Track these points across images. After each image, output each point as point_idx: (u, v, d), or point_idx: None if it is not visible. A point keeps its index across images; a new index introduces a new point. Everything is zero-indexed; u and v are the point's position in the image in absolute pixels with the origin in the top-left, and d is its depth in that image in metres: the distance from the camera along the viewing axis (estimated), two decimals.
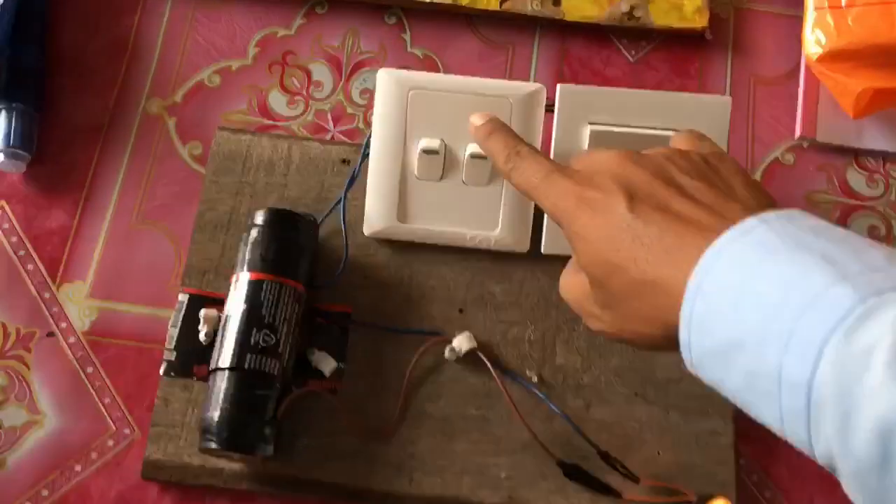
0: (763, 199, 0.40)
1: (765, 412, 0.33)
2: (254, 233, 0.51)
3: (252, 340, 0.49)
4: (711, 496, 0.49)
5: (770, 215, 0.35)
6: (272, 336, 0.49)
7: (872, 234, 0.60)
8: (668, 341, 0.37)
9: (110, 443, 0.53)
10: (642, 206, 0.38)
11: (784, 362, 0.31)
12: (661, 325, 0.37)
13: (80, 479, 0.52)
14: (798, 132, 0.62)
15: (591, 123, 0.53)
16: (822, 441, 0.30)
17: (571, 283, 0.44)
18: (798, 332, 0.30)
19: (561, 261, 0.55)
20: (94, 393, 0.53)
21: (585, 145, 0.53)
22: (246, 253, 0.51)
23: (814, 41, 0.60)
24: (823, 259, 0.32)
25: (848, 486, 0.31)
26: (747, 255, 0.34)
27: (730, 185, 0.40)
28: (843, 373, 0.29)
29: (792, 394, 0.31)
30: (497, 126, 0.47)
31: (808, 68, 0.63)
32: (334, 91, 0.62)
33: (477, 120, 0.48)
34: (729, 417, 0.53)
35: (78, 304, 0.55)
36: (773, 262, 0.33)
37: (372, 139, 0.55)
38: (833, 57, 0.59)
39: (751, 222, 0.35)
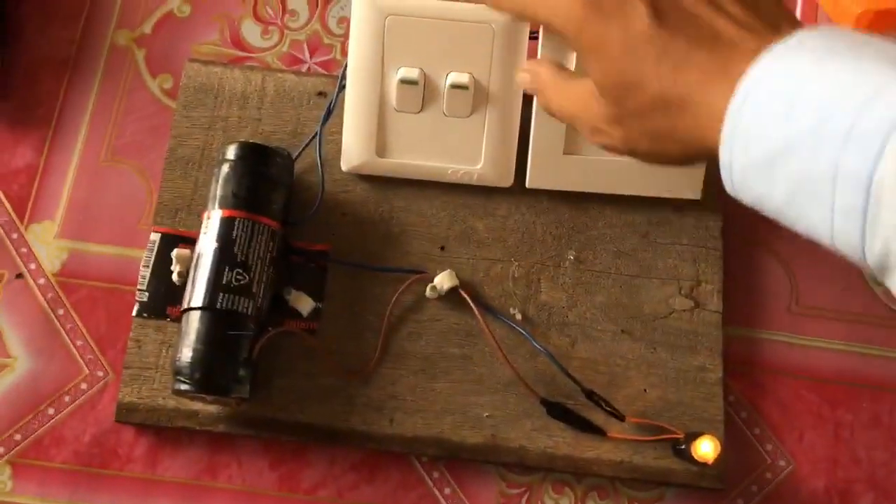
0: (789, 16, 0.38)
1: (814, 219, 0.32)
2: (225, 168, 0.49)
3: (224, 279, 0.47)
4: (699, 434, 0.48)
5: (819, 26, 0.34)
6: (245, 275, 0.47)
7: None
8: (688, 158, 0.37)
9: (84, 386, 0.51)
10: (668, 17, 0.36)
11: (842, 158, 0.30)
12: (684, 142, 0.37)
13: (54, 422, 0.51)
14: None
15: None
16: (878, 236, 0.30)
17: (571, 96, 0.42)
18: (860, 124, 0.30)
19: (547, 195, 0.54)
20: (65, 335, 0.52)
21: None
22: (217, 189, 0.49)
23: None
24: (883, 58, 0.31)
25: None
26: (799, 62, 0.32)
27: (755, 1, 0.38)
28: None
29: (848, 190, 0.30)
30: None
31: None
32: (310, 20, 0.60)
33: None
34: (718, 353, 0.51)
35: (47, 245, 0.54)
36: (830, 63, 0.32)
37: (348, 70, 0.52)
38: None
39: (799, 34, 0.33)
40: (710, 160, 0.36)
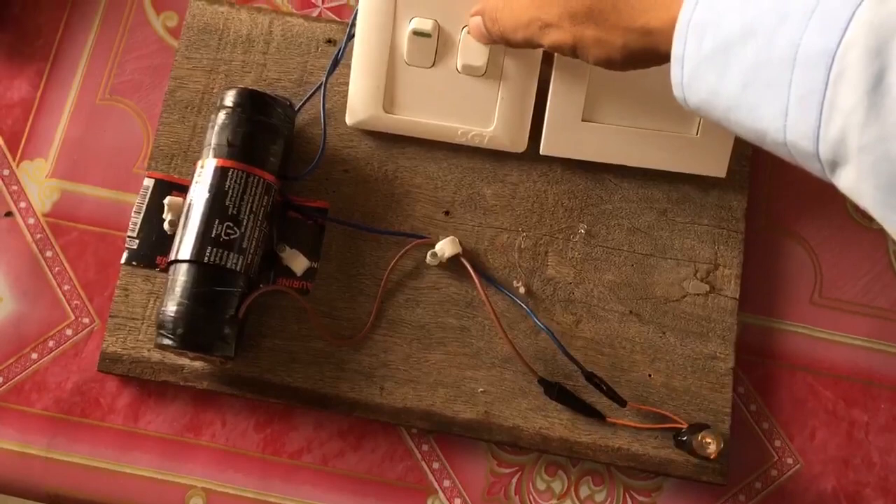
0: None
1: (767, 112, 0.31)
2: (221, 115, 0.47)
3: (213, 233, 0.45)
4: (703, 426, 0.46)
5: None
6: (235, 229, 0.45)
7: None
8: (631, 53, 0.36)
9: (69, 332, 0.50)
10: None
11: (804, 38, 0.29)
12: (629, 31, 0.36)
13: (37, 367, 0.49)
14: None
15: None
16: (836, 119, 0.29)
17: (516, 6, 0.42)
18: (823, 3, 0.29)
19: (561, 164, 0.51)
20: (52, 278, 0.50)
21: None
22: (212, 137, 0.47)
23: None
24: None
25: (858, 170, 0.29)
26: None
27: None
28: (879, 29, 0.28)
29: (809, 71, 0.29)
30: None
31: None
32: None
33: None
34: (730, 342, 0.49)
35: (38, 184, 0.52)
36: None
37: (358, 18, 0.49)
38: None
39: None
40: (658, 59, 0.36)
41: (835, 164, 0.30)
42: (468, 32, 0.47)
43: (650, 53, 0.36)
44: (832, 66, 0.28)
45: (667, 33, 0.34)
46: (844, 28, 0.28)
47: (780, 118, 0.30)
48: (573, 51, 0.39)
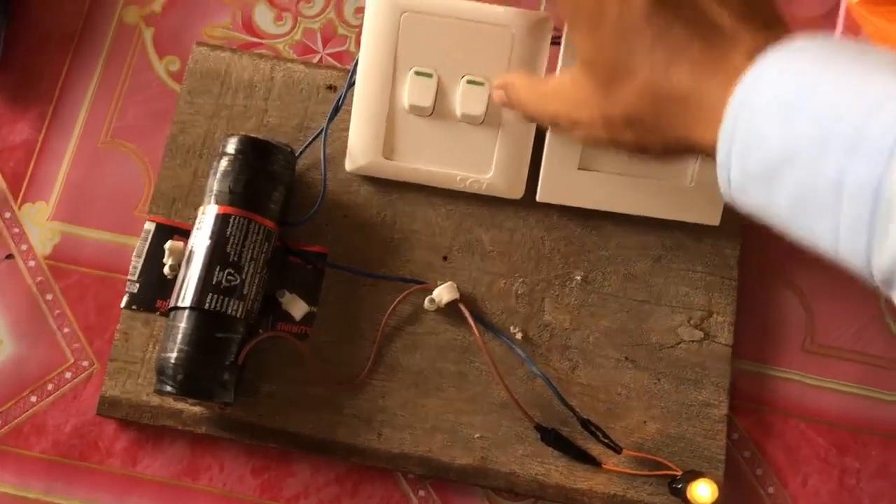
0: (782, 18, 0.36)
1: (818, 231, 0.31)
2: (223, 162, 0.47)
3: (215, 279, 0.45)
4: (698, 474, 0.46)
5: (817, 36, 0.32)
6: (236, 276, 0.46)
7: None
8: (669, 152, 0.36)
9: (68, 375, 0.50)
10: (669, 7, 0.35)
11: (848, 167, 0.29)
12: (668, 136, 0.35)
13: (35, 410, 0.49)
14: None
15: None
16: (886, 250, 0.28)
17: (548, 91, 0.41)
18: (866, 132, 0.28)
19: (557, 210, 0.52)
20: (52, 321, 0.51)
21: None
22: (214, 184, 0.47)
23: None
24: (884, 67, 0.30)
25: None
26: (802, 66, 0.31)
27: None
28: None
29: (855, 201, 0.29)
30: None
31: (847, 11, 0.57)
32: (326, 8, 0.57)
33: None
34: (724, 389, 0.49)
35: (40, 226, 0.52)
36: (831, 72, 0.30)
37: (359, 67, 0.50)
38: (876, 0, 0.53)
39: (801, 40, 0.32)
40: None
41: (890, 287, 0.30)
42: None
43: (693, 154, 0.36)
44: (878, 198, 0.28)
45: (710, 146, 0.34)
46: (888, 162, 0.28)
47: (832, 241, 0.30)
48: (606, 146, 0.39)
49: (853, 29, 0.57)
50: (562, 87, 0.40)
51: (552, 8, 0.42)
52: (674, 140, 0.36)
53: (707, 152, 0.34)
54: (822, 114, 0.30)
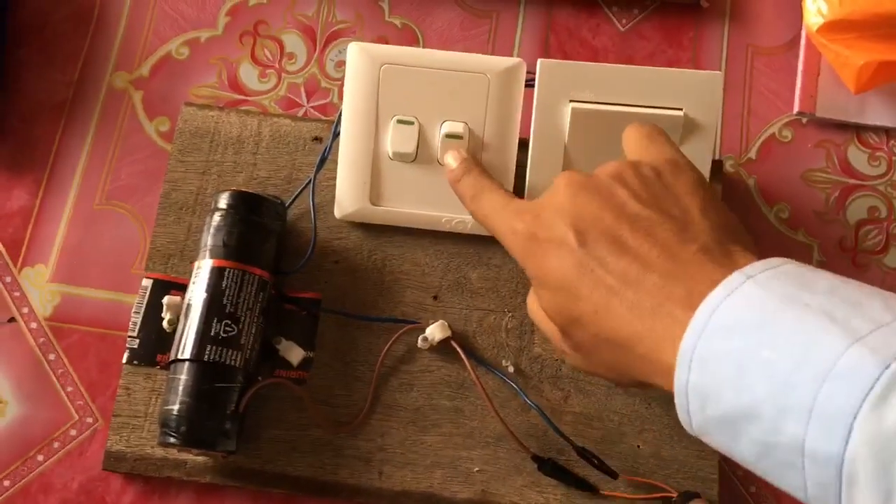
0: (723, 225, 0.37)
1: (786, 482, 0.31)
2: (216, 217, 0.49)
3: (213, 331, 0.47)
4: (693, 495, 0.47)
5: (754, 268, 0.33)
6: (234, 326, 0.47)
7: (872, 215, 0.57)
8: (642, 387, 0.38)
9: (73, 432, 0.51)
10: (594, 245, 0.36)
11: (808, 436, 0.28)
12: (637, 377, 0.36)
13: (43, 468, 0.50)
14: (797, 107, 0.59)
15: (572, 101, 0.50)
16: None
17: (541, 314, 0.42)
18: (820, 404, 0.28)
19: None
20: (56, 380, 0.52)
21: (567, 123, 0.50)
22: (208, 238, 0.49)
23: (815, 10, 0.56)
24: (825, 317, 0.29)
25: None
26: (741, 317, 0.31)
27: (686, 211, 0.37)
28: (881, 452, 0.27)
29: (820, 467, 0.28)
30: (468, 168, 0.47)
31: (808, 39, 0.59)
32: (308, 63, 0.59)
33: (451, 161, 0.48)
34: None
35: (40, 289, 0.54)
36: (773, 324, 0.30)
37: (343, 117, 0.52)
38: (834, 27, 0.56)
39: (735, 279, 0.32)
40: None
41: None
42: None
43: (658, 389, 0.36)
44: (842, 470, 0.28)
45: (669, 388, 0.34)
46: (845, 438, 0.27)
47: (801, 494, 0.30)
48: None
49: (814, 57, 0.59)
50: (541, 312, 0.41)
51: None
52: (646, 380, 0.36)
53: (651, 382, 0.35)
54: (770, 375, 0.29)
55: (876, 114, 0.59)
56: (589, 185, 0.39)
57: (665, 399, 0.50)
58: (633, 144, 0.43)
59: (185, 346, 0.47)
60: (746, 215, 0.56)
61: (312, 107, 0.58)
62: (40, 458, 0.51)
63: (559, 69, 0.50)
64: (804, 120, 0.59)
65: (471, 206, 0.46)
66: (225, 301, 0.47)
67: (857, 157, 0.58)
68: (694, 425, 0.33)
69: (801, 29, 0.60)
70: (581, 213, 0.37)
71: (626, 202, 0.37)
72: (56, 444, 0.51)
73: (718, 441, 0.33)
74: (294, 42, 0.60)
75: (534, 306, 0.43)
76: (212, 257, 0.48)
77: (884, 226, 0.57)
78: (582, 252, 0.36)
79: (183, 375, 0.46)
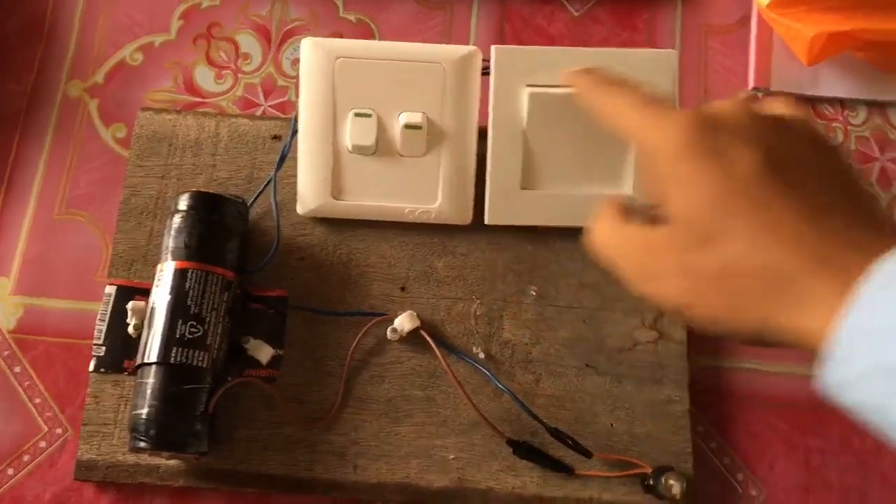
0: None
1: None
2: (176, 219, 0.49)
3: (178, 333, 0.46)
4: (667, 468, 0.47)
5: None
6: (199, 327, 0.47)
7: None
8: (758, 336, 0.32)
9: (42, 444, 0.50)
10: (779, 175, 0.32)
11: None
12: (760, 318, 0.31)
13: (13, 482, 0.50)
14: (752, 83, 0.60)
15: (528, 85, 0.50)
16: None
17: (624, 235, 0.36)
18: None
19: (505, 231, 0.54)
20: (23, 393, 0.51)
21: (524, 109, 0.51)
22: (169, 241, 0.48)
23: None
24: None
25: None
26: None
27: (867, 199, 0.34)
28: None
29: None
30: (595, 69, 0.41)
31: (759, 15, 0.60)
32: (264, 63, 0.59)
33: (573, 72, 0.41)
34: (684, 385, 0.51)
35: (3, 302, 0.53)
36: None
37: (300, 114, 0.52)
38: (784, 2, 0.57)
39: None
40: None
41: None
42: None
43: (779, 340, 0.32)
44: None
45: (806, 333, 0.31)
46: None
47: None
48: (675, 308, 0.34)
49: (766, 32, 0.60)
50: (642, 236, 0.35)
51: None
52: (774, 327, 0.31)
53: (792, 337, 0.31)
54: None
55: (829, 85, 0.59)
56: (777, 124, 0.35)
57: (635, 377, 0.51)
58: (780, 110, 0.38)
59: (151, 349, 0.46)
60: None
61: (270, 105, 0.58)
62: (10, 471, 0.50)
63: (514, 55, 0.50)
64: (760, 95, 0.60)
65: (594, 90, 0.39)
66: (189, 302, 0.47)
67: None
68: (841, 376, 0.30)
69: (752, 5, 0.61)
70: (772, 145, 0.34)
71: (817, 160, 0.34)
72: (26, 458, 0.50)
73: (873, 394, 0.29)
74: (249, 42, 0.60)
75: (621, 232, 0.36)
76: (174, 259, 0.48)
77: None
78: (764, 173, 0.32)
79: (150, 379, 0.46)
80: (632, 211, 0.38)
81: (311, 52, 0.51)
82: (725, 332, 0.33)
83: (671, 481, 0.46)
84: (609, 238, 0.37)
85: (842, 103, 0.60)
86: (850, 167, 0.35)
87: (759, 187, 0.32)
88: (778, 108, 0.38)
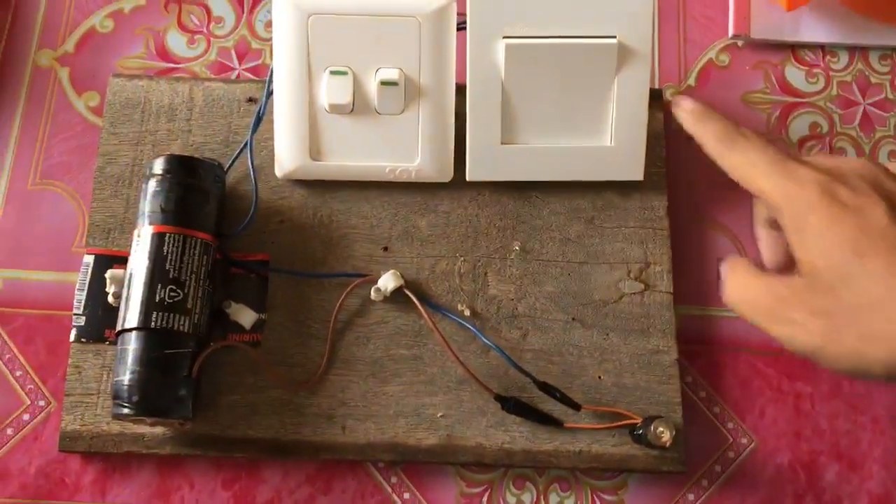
0: None
1: None
2: (152, 183, 0.48)
3: (157, 297, 0.46)
4: (656, 417, 0.47)
5: None
6: (178, 291, 0.46)
7: (814, 131, 0.57)
8: (887, 369, 0.35)
9: (26, 417, 0.50)
10: None
11: None
12: (892, 349, 0.35)
13: None
14: (731, 30, 0.59)
15: (505, 37, 0.50)
16: None
17: (756, 287, 0.40)
18: None
19: (488, 187, 0.53)
20: (3, 366, 0.51)
21: (501, 62, 0.50)
22: (145, 206, 0.48)
23: None
24: None
25: None
26: None
27: None
28: None
29: None
30: (710, 110, 0.45)
31: None
32: (237, 26, 0.58)
33: (687, 104, 0.45)
34: (671, 335, 0.51)
35: None
36: None
37: (274, 74, 0.51)
38: None
39: None
40: None
41: None
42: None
43: None
44: None
45: None
46: None
47: None
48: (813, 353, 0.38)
49: None
50: (773, 284, 0.39)
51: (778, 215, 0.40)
52: (887, 354, 0.35)
53: None
54: None
55: (810, 30, 0.59)
56: (890, 173, 0.39)
57: (622, 329, 0.51)
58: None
59: (131, 314, 0.46)
60: (688, 141, 0.56)
61: (245, 69, 0.57)
62: None
63: (489, 4, 0.50)
64: (740, 43, 0.59)
65: (722, 143, 0.42)
66: (168, 266, 0.46)
67: (795, 75, 0.59)
68: None
69: None
70: (889, 190, 0.37)
71: None
72: (9, 431, 0.50)
73: None
74: (221, 6, 0.59)
75: (752, 284, 0.41)
76: (151, 224, 0.47)
77: (826, 140, 0.57)
78: (892, 221, 0.36)
79: (131, 345, 0.45)
80: (761, 265, 0.42)
81: (283, 11, 0.50)
82: (864, 368, 0.36)
83: (661, 429, 0.46)
84: (744, 291, 0.41)
85: (823, 49, 0.59)
86: None
87: (890, 230, 0.35)
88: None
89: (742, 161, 0.41)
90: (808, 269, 0.37)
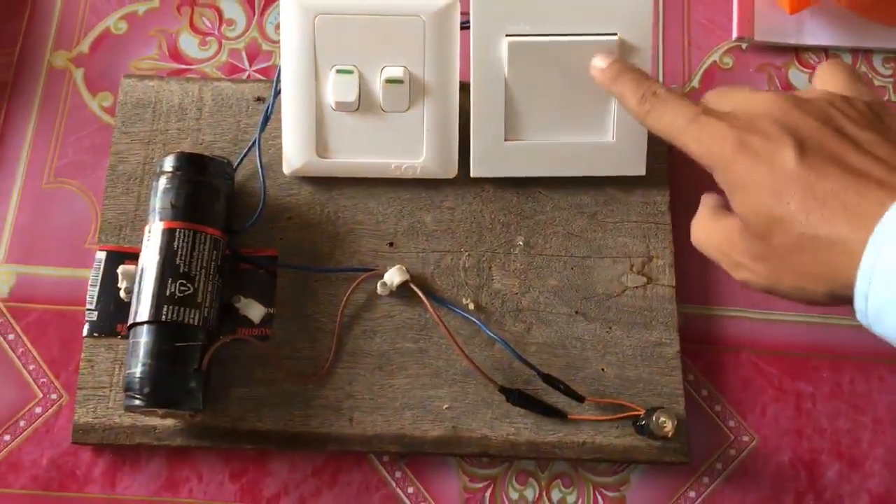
0: None
1: None
2: (162, 180, 0.49)
3: (168, 291, 0.47)
4: (659, 407, 0.48)
5: None
6: (189, 285, 0.47)
7: None
8: (831, 298, 0.36)
9: (38, 409, 0.51)
10: (814, 158, 0.36)
11: None
12: (828, 281, 0.36)
13: (10, 448, 0.50)
14: (735, 33, 0.60)
15: (508, 35, 0.51)
16: None
17: (712, 231, 0.42)
18: None
19: (492, 183, 0.54)
20: (17, 360, 0.52)
21: (504, 59, 0.51)
22: (156, 202, 0.49)
23: None
24: None
25: None
26: None
27: None
28: None
29: None
30: (624, 67, 0.46)
31: None
32: (248, 28, 0.59)
33: (600, 62, 0.47)
34: (673, 327, 0.51)
35: None
36: None
37: (282, 73, 0.52)
38: None
39: None
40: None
41: None
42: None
43: (837, 298, 0.36)
44: None
45: (850, 281, 0.35)
46: None
47: None
48: (765, 290, 0.40)
49: None
50: (728, 230, 0.41)
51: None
52: (841, 286, 0.36)
53: (845, 289, 0.35)
54: None
55: (813, 33, 0.59)
56: (804, 104, 0.39)
57: (625, 322, 0.51)
58: (834, 80, 0.42)
59: (142, 308, 0.46)
60: None
61: (255, 70, 0.58)
62: (7, 437, 0.50)
63: (492, 2, 0.50)
64: (744, 45, 0.60)
65: (641, 108, 0.43)
66: (178, 261, 0.47)
67: (798, 77, 0.59)
68: (870, 310, 0.34)
69: None
70: (800, 127, 0.38)
71: (844, 125, 0.38)
72: (22, 423, 0.51)
73: (893, 325, 0.33)
74: (232, 8, 0.60)
75: (706, 228, 0.42)
76: (161, 219, 0.48)
77: None
78: (802, 167, 0.36)
79: (143, 338, 0.46)
80: (726, 205, 0.42)
81: (291, 11, 0.51)
82: (810, 300, 0.37)
83: (663, 419, 0.47)
84: (704, 234, 0.42)
85: (826, 51, 0.60)
86: (879, 107, 0.39)
87: (803, 172, 0.36)
88: (824, 80, 0.42)
89: (663, 124, 0.42)
90: (742, 218, 0.39)
